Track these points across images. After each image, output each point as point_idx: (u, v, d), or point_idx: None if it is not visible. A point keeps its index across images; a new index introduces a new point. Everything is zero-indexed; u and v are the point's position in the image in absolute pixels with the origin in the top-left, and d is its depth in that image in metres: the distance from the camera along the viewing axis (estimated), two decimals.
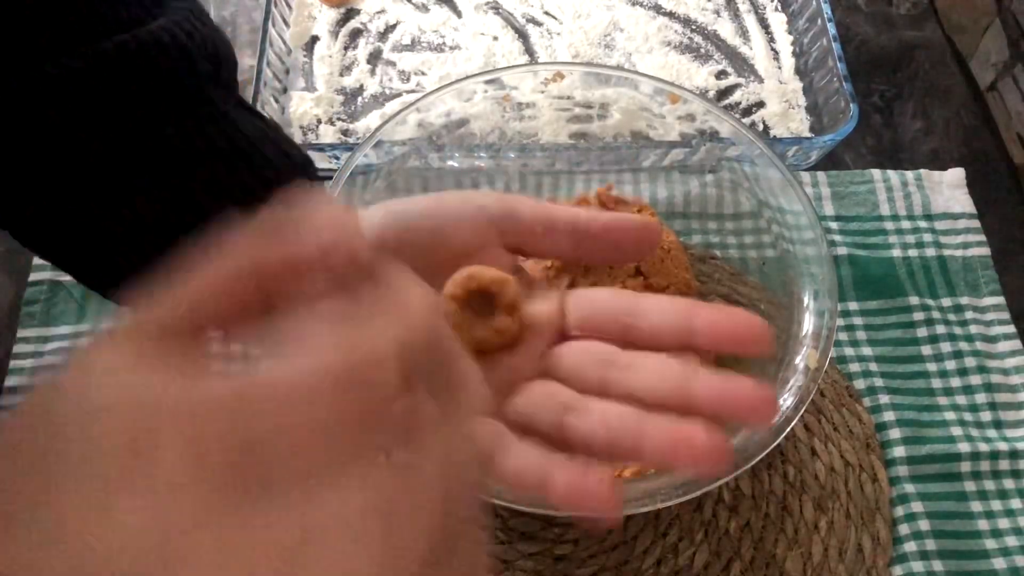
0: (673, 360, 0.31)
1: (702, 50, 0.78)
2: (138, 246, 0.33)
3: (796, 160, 0.69)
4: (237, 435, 0.19)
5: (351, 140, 0.72)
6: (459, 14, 0.80)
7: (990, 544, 0.55)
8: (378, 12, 0.79)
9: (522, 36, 0.79)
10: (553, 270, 0.58)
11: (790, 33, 0.79)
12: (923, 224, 0.68)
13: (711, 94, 0.75)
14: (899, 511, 0.56)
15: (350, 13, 0.79)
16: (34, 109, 0.31)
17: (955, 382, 0.62)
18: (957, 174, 0.71)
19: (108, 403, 0.20)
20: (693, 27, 0.80)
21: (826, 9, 0.75)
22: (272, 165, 0.35)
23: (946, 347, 0.63)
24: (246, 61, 0.76)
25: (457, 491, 0.22)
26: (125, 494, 0.19)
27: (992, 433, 0.59)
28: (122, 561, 0.18)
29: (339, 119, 0.73)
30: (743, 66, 0.78)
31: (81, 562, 0.19)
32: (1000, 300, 0.65)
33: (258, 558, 0.19)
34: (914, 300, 0.65)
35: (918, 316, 0.64)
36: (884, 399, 0.60)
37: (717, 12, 0.81)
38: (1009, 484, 0.58)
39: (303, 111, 0.72)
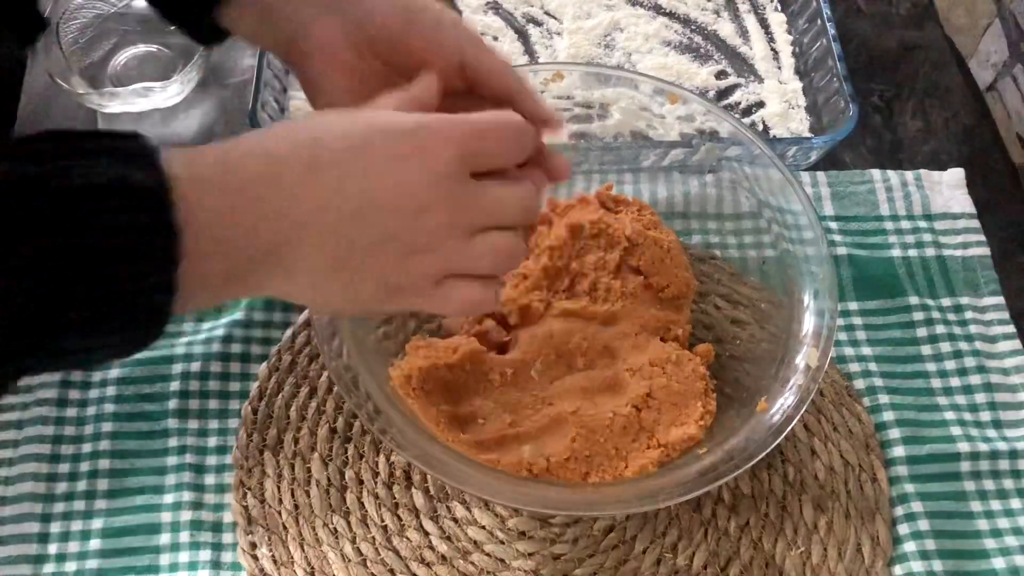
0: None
1: (702, 50, 0.79)
2: None
3: (796, 160, 0.69)
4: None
5: None
6: (459, 14, 0.80)
7: (990, 544, 0.55)
8: None
9: (522, 36, 0.79)
10: (553, 269, 0.58)
11: (790, 33, 0.79)
12: (923, 224, 0.68)
13: (711, 94, 0.75)
14: (899, 511, 0.56)
15: None
16: None
17: (955, 382, 0.62)
18: (957, 174, 0.71)
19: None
20: (693, 27, 0.80)
21: (826, 9, 0.75)
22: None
23: (946, 347, 0.63)
24: (246, 61, 0.76)
25: None
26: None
27: (992, 433, 0.59)
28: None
29: None
30: (743, 66, 0.78)
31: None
32: (1000, 300, 0.65)
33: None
34: (914, 300, 0.65)
35: (918, 316, 0.64)
36: (884, 399, 0.60)
37: (717, 12, 0.81)
38: (1009, 484, 0.58)
39: (303, 111, 0.72)
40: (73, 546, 0.53)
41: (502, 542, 0.54)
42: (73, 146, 0.31)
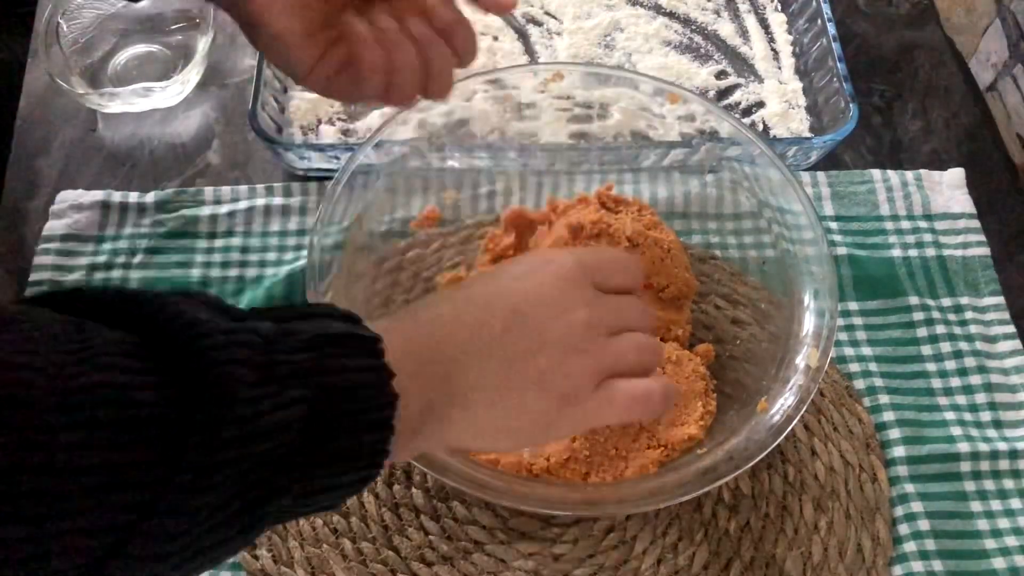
0: None
1: (702, 50, 0.79)
2: None
3: (796, 160, 0.69)
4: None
5: (351, 140, 0.71)
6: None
7: (990, 544, 0.55)
8: None
9: (522, 36, 0.79)
10: None
11: (790, 33, 0.79)
12: (923, 224, 0.68)
13: (711, 94, 0.75)
14: (899, 511, 0.56)
15: None
16: None
17: (955, 382, 0.62)
18: (957, 174, 0.71)
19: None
20: (693, 27, 0.80)
21: (826, 9, 0.75)
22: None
23: (946, 347, 0.63)
24: (246, 61, 0.76)
25: None
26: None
27: (992, 433, 0.59)
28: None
29: (339, 119, 0.73)
30: (743, 66, 0.78)
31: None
32: (1000, 300, 0.65)
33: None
34: (914, 300, 0.65)
35: (918, 316, 0.64)
36: (884, 399, 0.60)
37: (717, 12, 0.81)
38: (1009, 484, 0.58)
39: (303, 111, 0.72)
40: None
41: (503, 542, 0.54)
42: (298, 312, 0.36)
